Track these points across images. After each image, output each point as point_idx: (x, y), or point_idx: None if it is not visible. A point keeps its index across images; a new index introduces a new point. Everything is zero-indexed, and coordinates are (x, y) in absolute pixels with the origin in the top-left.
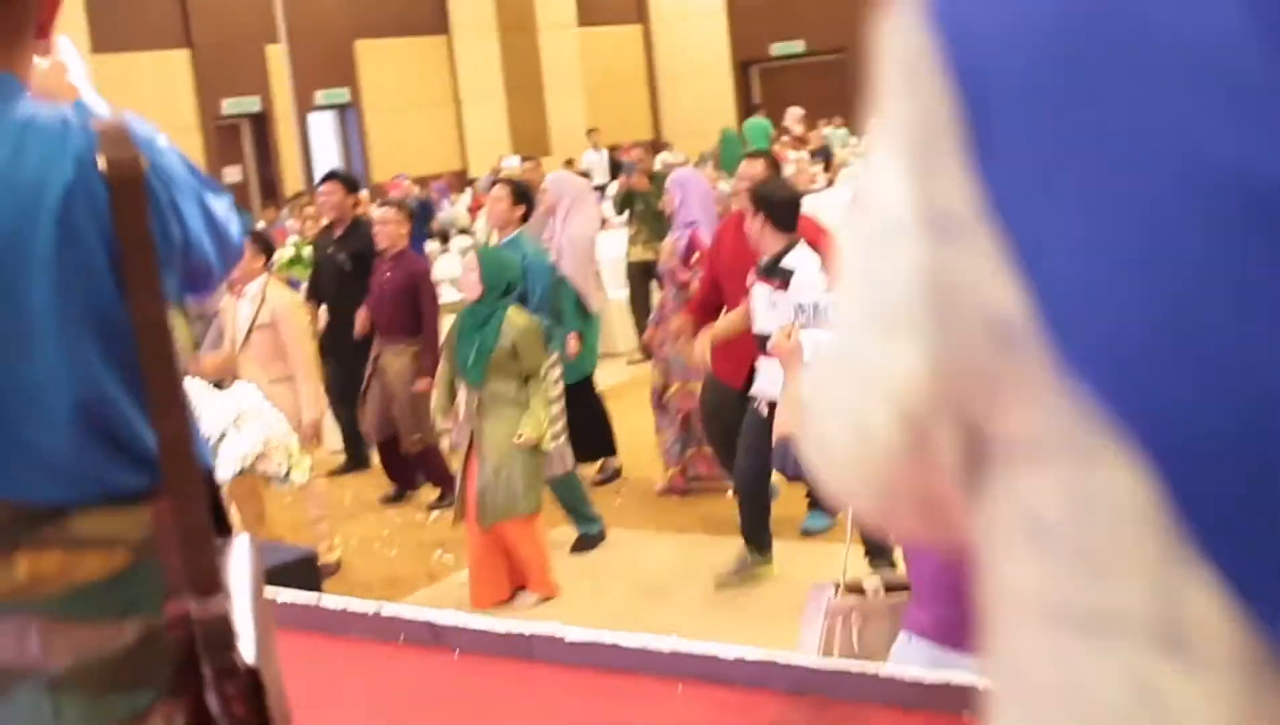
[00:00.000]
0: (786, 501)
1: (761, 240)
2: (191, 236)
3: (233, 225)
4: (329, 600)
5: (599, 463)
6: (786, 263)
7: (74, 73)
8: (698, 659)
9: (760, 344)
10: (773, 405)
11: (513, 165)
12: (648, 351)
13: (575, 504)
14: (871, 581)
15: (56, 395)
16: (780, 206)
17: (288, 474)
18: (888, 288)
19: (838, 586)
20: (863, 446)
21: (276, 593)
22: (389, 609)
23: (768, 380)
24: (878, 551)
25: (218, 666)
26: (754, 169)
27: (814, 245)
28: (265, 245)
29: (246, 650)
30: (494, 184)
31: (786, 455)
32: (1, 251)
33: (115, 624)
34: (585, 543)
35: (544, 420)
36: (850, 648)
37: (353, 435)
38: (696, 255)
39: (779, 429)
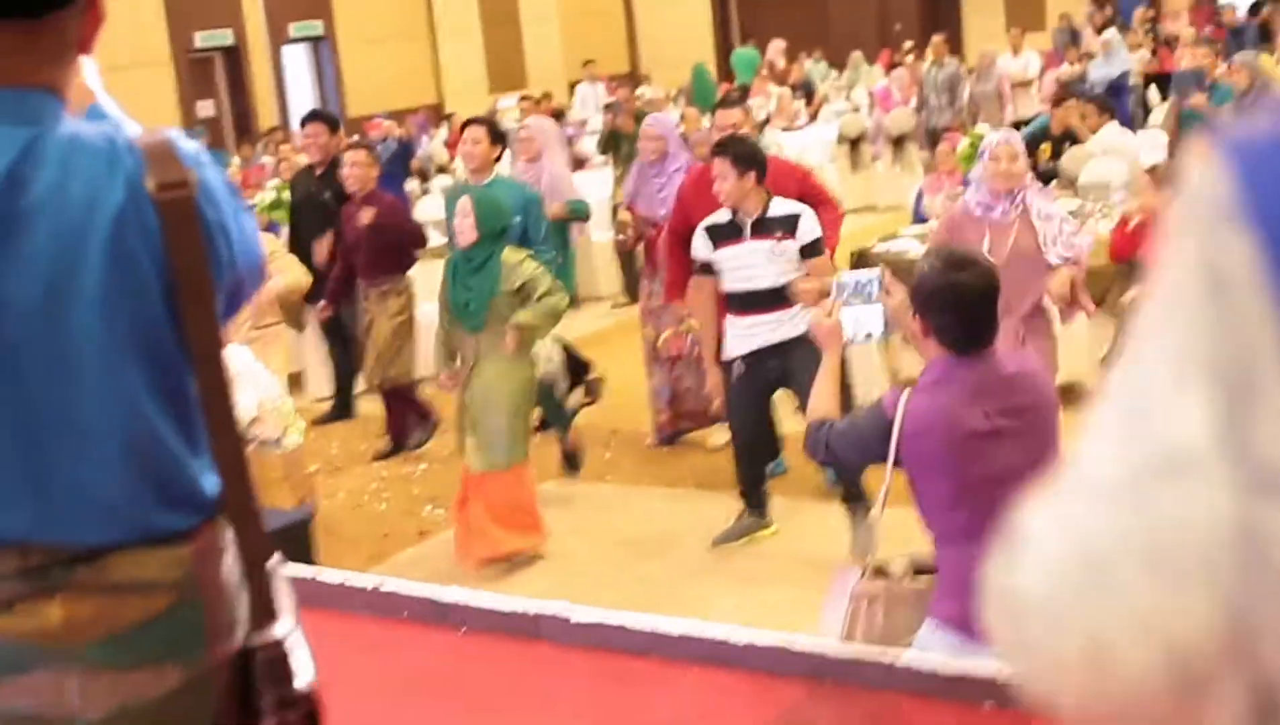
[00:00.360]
0: (791, 455)
1: (747, 198)
2: (237, 257)
3: (259, 242)
4: (328, 574)
5: (583, 387)
6: (781, 211)
7: (89, 74)
8: (709, 643)
9: (733, 302)
10: (749, 361)
11: (510, 105)
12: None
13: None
14: (898, 564)
15: (104, 430)
16: (761, 163)
17: (283, 437)
18: (1177, 533)
19: (864, 569)
20: (1114, 678)
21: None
22: (390, 584)
23: (741, 339)
24: (855, 497)
25: (279, 697)
26: (732, 117)
27: (781, 189)
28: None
29: (304, 675)
30: (467, 125)
31: (818, 438)
32: (50, 277)
33: (156, 669)
34: (570, 460)
35: (542, 317)
36: (873, 633)
37: (343, 384)
38: None
39: (812, 412)
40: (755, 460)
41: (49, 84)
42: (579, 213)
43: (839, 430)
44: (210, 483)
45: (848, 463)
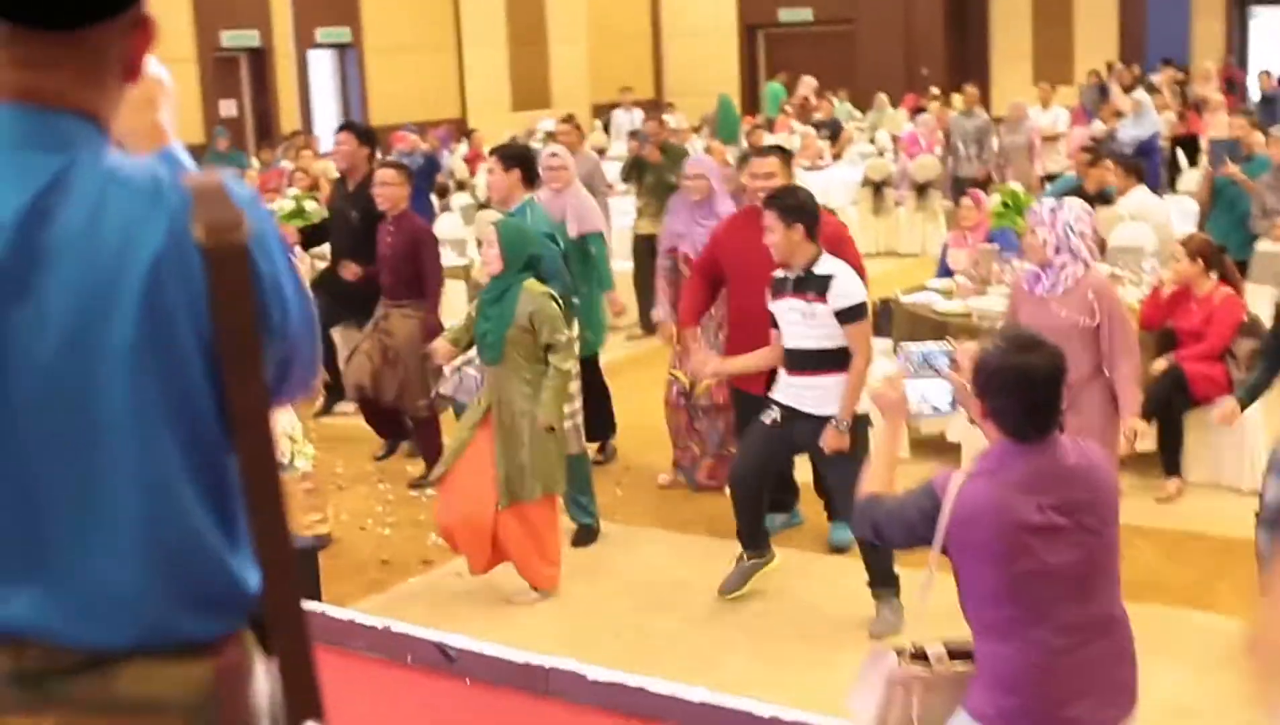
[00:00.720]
0: (804, 505)
1: (795, 253)
2: (291, 324)
3: (314, 316)
4: (335, 611)
5: (598, 443)
6: (820, 270)
7: (163, 111)
8: (731, 713)
9: (786, 359)
10: (778, 417)
11: (549, 126)
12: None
13: (579, 489)
14: (935, 648)
15: (125, 511)
16: (814, 218)
17: (291, 461)
18: None
19: (900, 653)
20: None
21: None
22: (398, 626)
23: (784, 392)
24: (883, 579)
25: None
26: (768, 166)
27: (835, 250)
28: None
29: None
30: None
31: (865, 514)
32: (72, 330)
33: None
34: (584, 536)
35: (555, 402)
36: (908, 721)
37: (332, 372)
38: None
39: (864, 486)
40: (752, 501)
41: (85, 107)
42: (603, 283)
43: (887, 508)
44: (248, 580)
45: (893, 543)
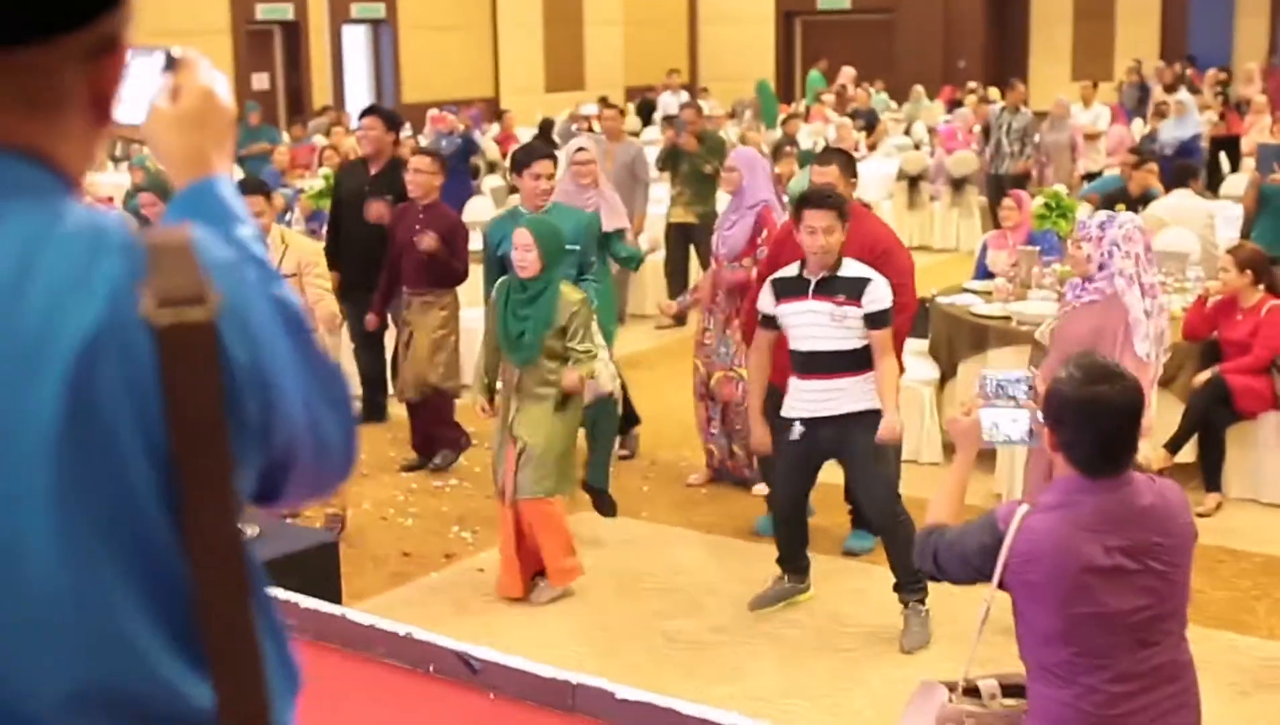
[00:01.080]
0: (825, 511)
1: (830, 255)
2: (281, 420)
3: (344, 393)
4: (356, 615)
5: (620, 437)
6: (849, 272)
7: (214, 132)
8: None
9: (795, 361)
10: (805, 426)
11: (591, 110)
12: (680, 317)
13: (602, 454)
14: (988, 683)
15: (54, 654)
16: (847, 220)
17: None
18: None
19: (952, 687)
20: None
21: (298, 599)
22: (420, 634)
23: (801, 401)
24: (910, 583)
25: None
26: (831, 175)
27: (884, 254)
28: (267, 195)
29: None
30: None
31: (927, 546)
32: None
33: None
34: (600, 503)
35: (586, 363)
36: None
37: (373, 383)
38: (765, 233)
39: (928, 516)
40: (797, 526)
41: (23, 145)
42: (633, 260)
43: (947, 540)
44: (201, 696)
45: (951, 578)
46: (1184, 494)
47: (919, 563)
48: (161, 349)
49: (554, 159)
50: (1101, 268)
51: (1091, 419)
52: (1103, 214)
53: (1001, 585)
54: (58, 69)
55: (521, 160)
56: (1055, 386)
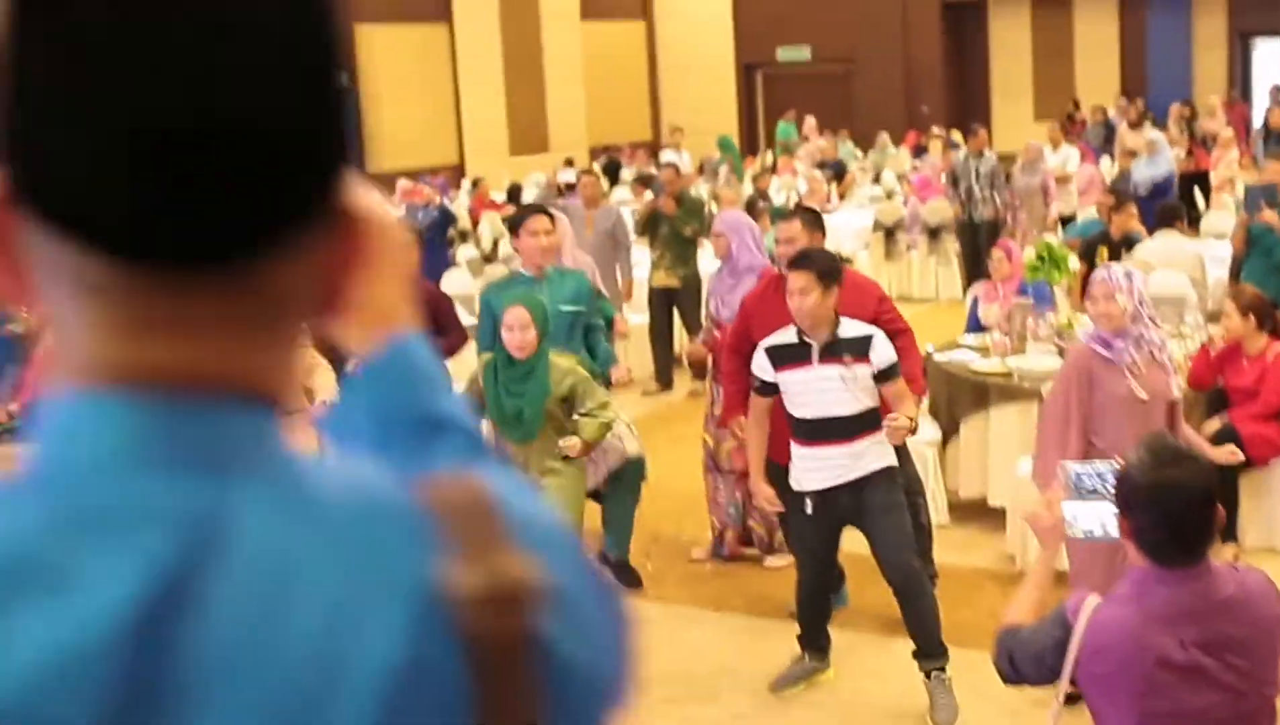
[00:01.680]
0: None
1: (827, 318)
2: (596, 710)
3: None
4: None
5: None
6: (850, 332)
7: (398, 279)
8: None
9: (801, 429)
10: (820, 498)
11: (569, 178)
12: (700, 369)
13: (626, 523)
14: None
15: None
16: (841, 280)
17: None
18: None
19: None
20: None
21: None
22: None
23: (815, 471)
24: (931, 650)
25: None
26: (790, 231)
27: (855, 307)
28: None
29: None
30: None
31: (1002, 646)
32: None
33: None
34: (623, 576)
35: (599, 432)
36: None
37: None
38: None
39: (1008, 615)
40: (820, 601)
41: (245, 384)
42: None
43: (1021, 639)
44: None
45: (1026, 678)
46: (1269, 583)
47: (995, 661)
48: (475, 664)
49: (549, 215)
50: (1134, 319)
51: (1161, 504)
52: (1118, 265)
53: (1073, 682)
54: (294, 275)
55: (516, 221)
56: (1125, 471)
